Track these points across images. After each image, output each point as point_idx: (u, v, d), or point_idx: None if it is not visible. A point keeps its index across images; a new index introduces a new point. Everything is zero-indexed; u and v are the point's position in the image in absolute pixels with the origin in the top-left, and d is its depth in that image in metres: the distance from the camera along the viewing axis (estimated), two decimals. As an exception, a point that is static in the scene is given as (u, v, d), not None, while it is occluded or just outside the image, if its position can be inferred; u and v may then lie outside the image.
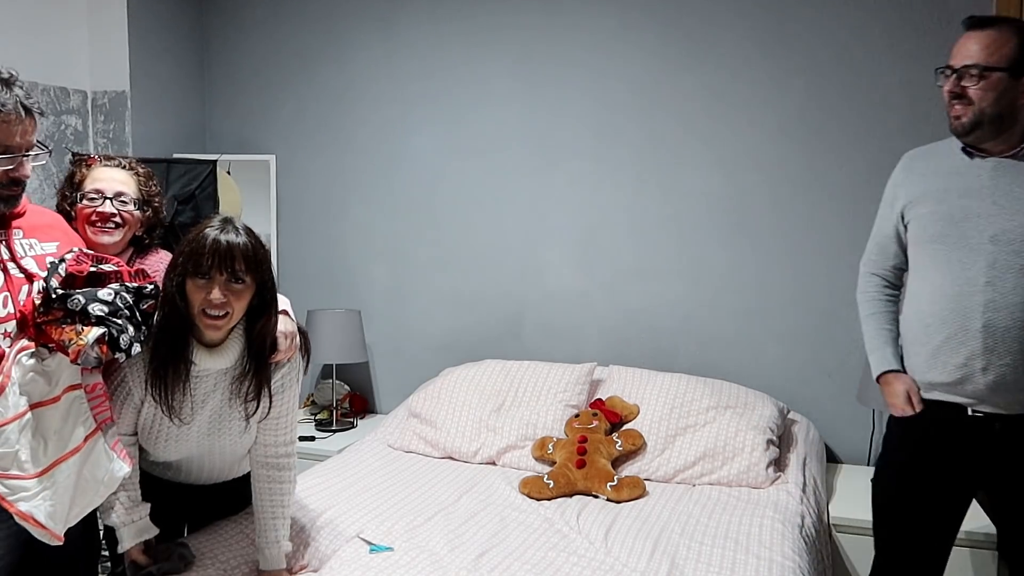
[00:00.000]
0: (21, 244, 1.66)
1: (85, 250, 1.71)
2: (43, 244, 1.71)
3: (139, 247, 2.14)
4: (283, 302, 1.86)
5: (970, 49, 1.80)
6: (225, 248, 1.67)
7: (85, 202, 2.03)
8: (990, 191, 1.84)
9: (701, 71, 3.02)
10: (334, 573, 1.87)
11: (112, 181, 2.07)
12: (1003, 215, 1.82)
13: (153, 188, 2.17)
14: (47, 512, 1.54)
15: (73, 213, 2.04)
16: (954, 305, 1.85)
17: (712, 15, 2.98)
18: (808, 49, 2.89)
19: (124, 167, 2.13)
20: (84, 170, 2.11)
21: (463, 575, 1.89)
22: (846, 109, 2.87)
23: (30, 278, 1.63)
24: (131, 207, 2.06)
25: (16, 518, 1.52)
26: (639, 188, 3.13)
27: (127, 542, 1.78)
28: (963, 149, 1.89)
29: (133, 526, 1.79)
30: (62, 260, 1.61)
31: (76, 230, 2.00)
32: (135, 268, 1.73)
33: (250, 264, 1.70)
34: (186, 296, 1.69)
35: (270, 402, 1.82)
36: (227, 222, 1.73)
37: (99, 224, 2.01)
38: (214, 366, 1.75)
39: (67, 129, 3.16)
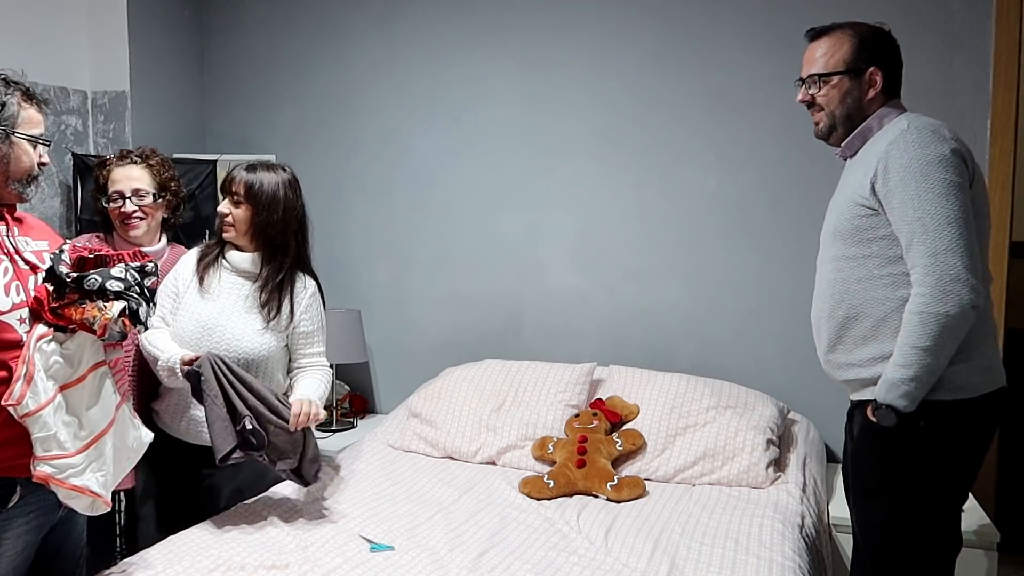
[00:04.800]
0: (18, 240, 1.72)
1: (76, 244, 1.79)
2: (35, 242, 1.77)
3: (167, 228, 2.42)
4: (317, 387, 2.27)
5: (812, 59, 1.94)
6: (231, 178, 2.23)
7: (110, 204, 2.29)
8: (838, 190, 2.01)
9: (701, 71, 3.02)
10: (335, 572, 1.88)
11: (128, 180, 2.29)
12: (830, 213, 1.97)
13: (168, 174, 2.37)
14: (100, 482, 1.66)
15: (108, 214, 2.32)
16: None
17: (712, 15, 2.98)
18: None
19: (137, 162, 2.32)
20: (104, 172, 2.32)
21: (463, 574, 1.90)
22: (846, 109, 2.87)
23: (33, 269, 1.69)
24: (149, 200, 2.30)
25: (63, 494, 1.61)
26: (639, 188, 3.13)
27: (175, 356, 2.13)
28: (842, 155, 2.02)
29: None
30: (61, 250, 1.67)
31: (115, 228, 2.32)
32: (133, 250, 1.79)
33: (247, 191, 2.21)
34: None
35: (291, 310, 2.27)
36: (258, 163, 2.26)
37: (125, 221, 2.28)
38: (238, 264, 2.26)
39: (67, 129, 3.16)
